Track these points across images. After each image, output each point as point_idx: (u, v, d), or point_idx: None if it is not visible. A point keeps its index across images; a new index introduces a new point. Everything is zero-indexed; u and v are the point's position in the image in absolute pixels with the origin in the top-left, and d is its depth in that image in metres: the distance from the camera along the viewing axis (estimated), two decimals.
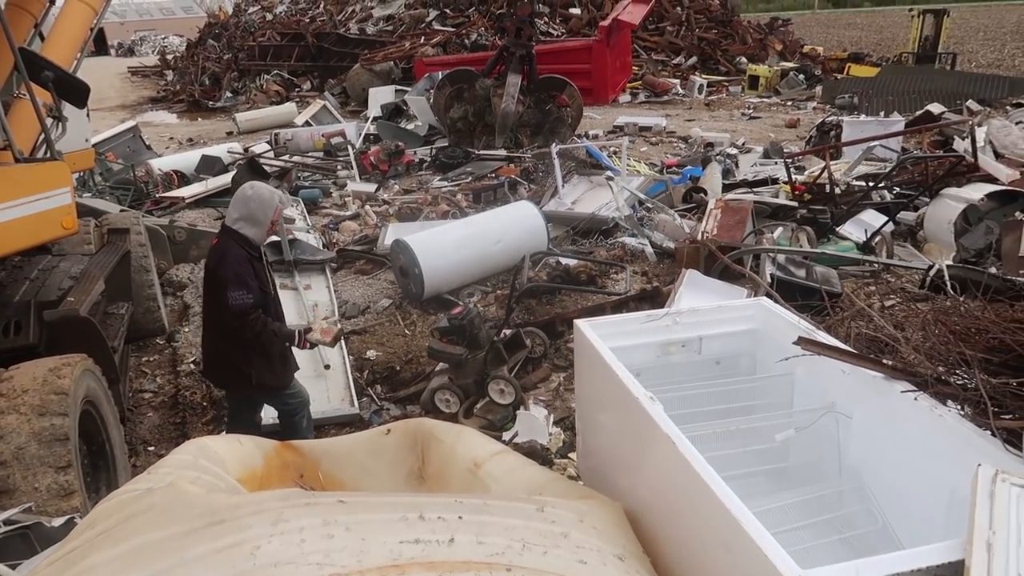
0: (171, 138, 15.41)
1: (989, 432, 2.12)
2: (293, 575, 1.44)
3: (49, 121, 4.49)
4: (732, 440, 2.76)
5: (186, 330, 5.87)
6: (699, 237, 5.46)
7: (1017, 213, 5.39)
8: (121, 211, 6.65)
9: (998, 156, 7.90)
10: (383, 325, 5.75)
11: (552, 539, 1.76)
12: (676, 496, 2.17)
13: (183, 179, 9.70)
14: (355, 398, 4.75)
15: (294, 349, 3.97)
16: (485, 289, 6.14)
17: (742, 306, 3.32)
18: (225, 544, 1.58)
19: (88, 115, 6.11)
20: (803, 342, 2.54)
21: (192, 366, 5.36)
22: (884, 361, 2.49)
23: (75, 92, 4.54)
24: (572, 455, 3.76)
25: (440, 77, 12.08)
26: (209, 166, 10.05)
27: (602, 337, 2.89)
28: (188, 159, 10.44)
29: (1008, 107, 12.37)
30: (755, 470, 2.79)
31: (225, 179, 9.30)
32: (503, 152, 10.40)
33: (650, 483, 2.39)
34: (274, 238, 6.75)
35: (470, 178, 9.26)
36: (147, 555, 1.60)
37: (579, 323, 3.05)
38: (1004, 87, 14.22)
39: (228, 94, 19.83)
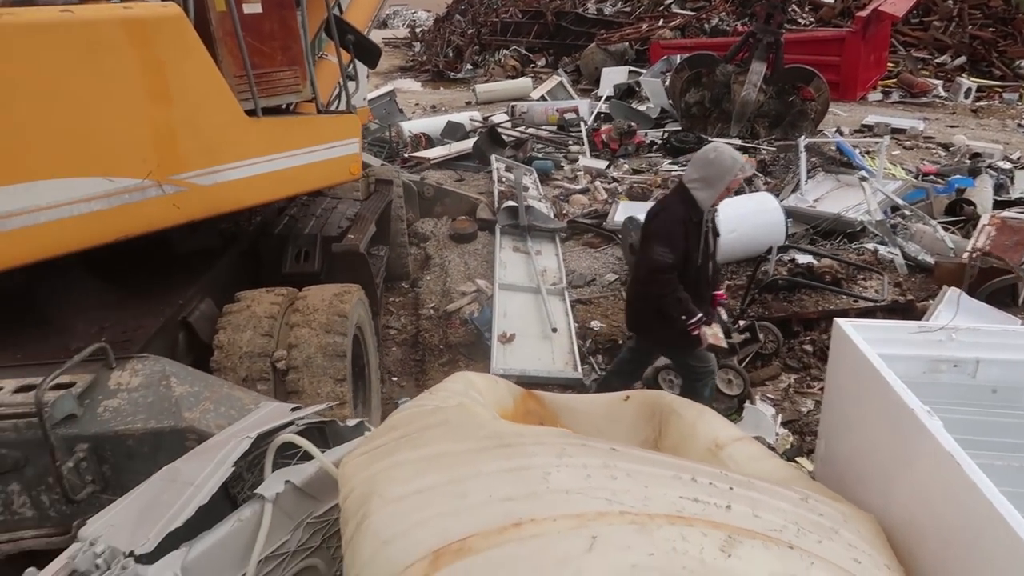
0: (416, 104, 16.64)
1: None
2: (584, 505, 1.55)
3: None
4: (1005, 478, 2.50)
5: (427, 278, 6.40)
6: (968, 253, 4.93)
7: None
8: (381, 165, 7.34)
9: None
10: (607, 298, 5.87)
11: (823, 531, 1.74)
12: (950, 521, 2.03)
13: (429, 142, 10.47)
14: (579, 363, 4.91)
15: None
16: None
17: None
18: (516, 465, 1.74)
19: (368, 77, 6.81)
20: None
21: (432, 311, 5.84)
22: None
23: (370, 54, 5.09)
24: (800, 459, 3.63)
25: (678, 60, 11.87)
26: (453, 131, 10.74)
27: (868, 341, 2.74)
28: (435, 124, 11.22)
29: None
30: None
31: (466, 144, 9.91)
32: (738, 141, 10.04)
33: (913, 502, 2.25)
34: (510, 202, 7.13)
35: None
36: (447, 462, 1.81)
37: (840, 322, 2.91)
38: None
39: (468, 66, 20.97)
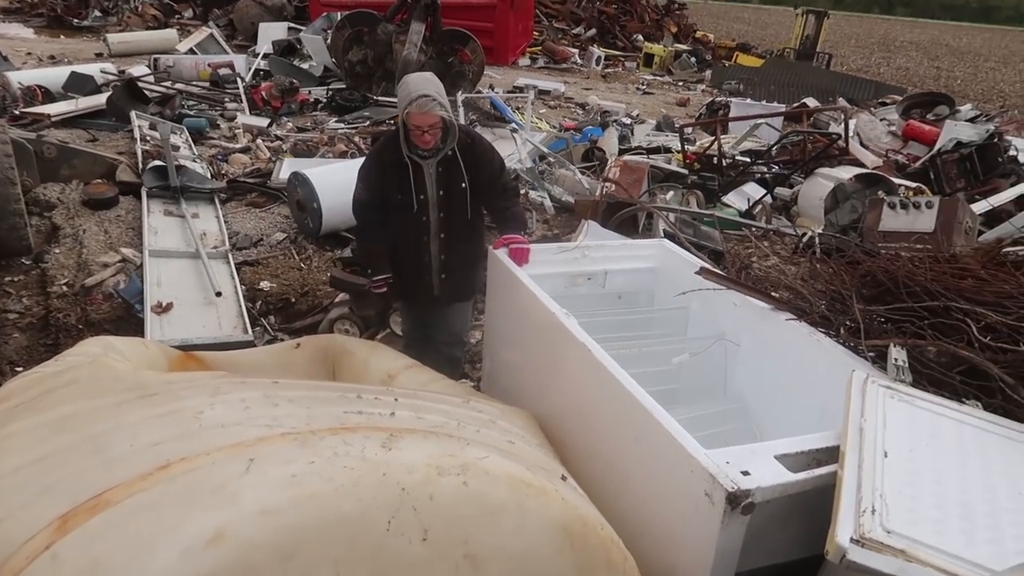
0: (29, 53, 13.90)
1: (859, 354, 2.41)
2: (243, 435, 1.45)
3: None
4: (630, 363, 2.96)
5: (57, 251, 5.45)
6: (599, 192, 5.69)
7: (880, 193, 6.01)
8: None
9: (864, 148, 8.71)
10: (276, 258, 5.60)
11: (482, 423, 1.87)
12: (588, 398, 2.33)
13: (48, 95, 8.85)
14: (248, 326, 4.62)
15: None
16: None
17: (646, 245, 3.55)
18: (165, 411, 1.57)
19: None
20: (704, 272, 2.78)
21: (65, 288, 5.00)
22: (772, 294, 2.77)
23: None
24: (464, 381, 3.88)
25: (339, 17, 11.66)
26: (79, 85, 9.20)
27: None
28: (54, 75, 9.49)
29: (872, 108, 13.56)
30: (649, 390, 3.01)
31: (99, 99, 8.57)
32: None
33: (561, 390, 2.55)
34: (158, 162, 6.38)
35: (368, 122, 9.06)
36: (79, 421, 1.56)
37: (494, 251, 3.15)
38: (870, 89, 15.59)
39: (97, 13, 18.07)
